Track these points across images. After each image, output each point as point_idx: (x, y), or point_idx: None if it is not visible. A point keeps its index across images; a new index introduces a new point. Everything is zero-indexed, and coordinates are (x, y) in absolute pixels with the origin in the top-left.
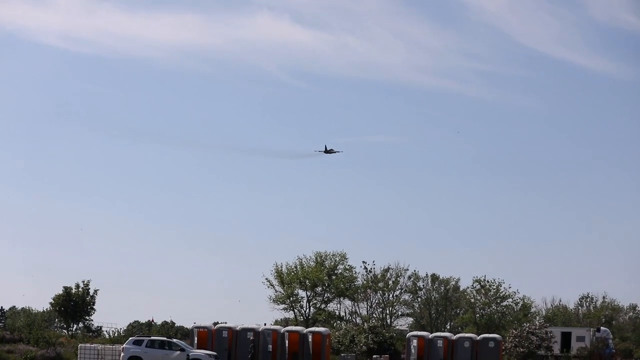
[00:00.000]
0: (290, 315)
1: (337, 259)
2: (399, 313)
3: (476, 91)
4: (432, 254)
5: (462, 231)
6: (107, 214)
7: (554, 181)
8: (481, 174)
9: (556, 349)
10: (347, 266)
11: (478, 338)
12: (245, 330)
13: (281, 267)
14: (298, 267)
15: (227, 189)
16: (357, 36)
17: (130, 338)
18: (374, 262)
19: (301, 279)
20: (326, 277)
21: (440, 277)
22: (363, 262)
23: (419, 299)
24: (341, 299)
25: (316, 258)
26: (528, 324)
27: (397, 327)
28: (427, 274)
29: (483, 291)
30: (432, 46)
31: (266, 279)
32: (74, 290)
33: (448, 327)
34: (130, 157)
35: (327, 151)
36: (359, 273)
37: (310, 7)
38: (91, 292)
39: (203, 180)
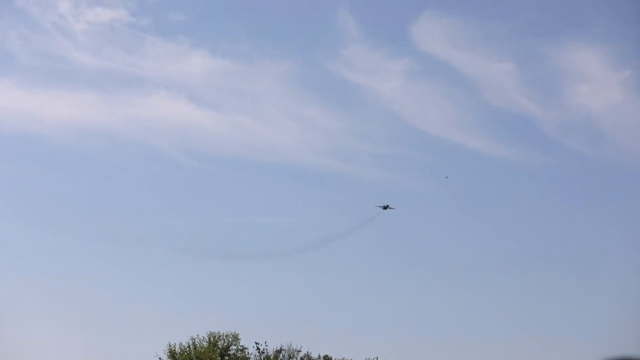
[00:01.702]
0: None
1: (230, 340)
2: None
3: (371, 173)
4: (324, 334)
5: (355, 312)
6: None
7: (447, 263)
8: (373, 255)
9: None
10: (240, 347)
11: None
12: None
13: (174, 346)
14: (191, 347)
15: (121, 267)
16: (252, 117)
17: None
18: (266, 342)
19: (194, 358)
20: (219, 358)
21: (333, 358)
22: (256, 342)
23: None
24: None
25: (209, 338)
26: None
27: None
28: (319, 355)
29: None
30: (327, 128)
31: (159, 358)
32: None
33: None
34: (23, 237)
35: (384, 207)
36: (251, 354)
37: (206, 87)
38: None
39: (98, 261)
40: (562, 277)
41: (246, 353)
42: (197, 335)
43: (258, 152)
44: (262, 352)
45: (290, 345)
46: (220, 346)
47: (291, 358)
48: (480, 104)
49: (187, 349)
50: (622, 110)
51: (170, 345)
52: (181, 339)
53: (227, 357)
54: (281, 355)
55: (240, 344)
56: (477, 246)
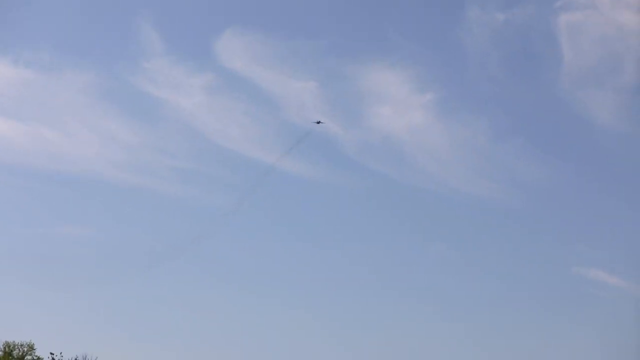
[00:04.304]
0: None
1: (25, 349)
2: None
3: (171, 188)
4: (121, 345)
5: (151, 325)
6: None
7: (259, 281)
8: (169, 269)
9: None
10: (35, 356)
11: None
12: None
13: None
14: None
15: None
16: (52, 128)
17: None
18: (61, 353)
19: None
20: None
21: None
22: (51, 353)
23: None
24: None
25: (4, 348)
26: None
27: None
28: None
29: None
30: (127, 141)
31: None
32: None
33: None
34: None
35: (318, 122)
36: None
37: (7, 97)
38: None
39: None
40: (376, 296)
41: None
42: None
43: (57, 163)
44: None
45: (86, 356)
46: (15, 355)
47: None
48: (280, 121)
49: None
50: (423, 133)
51: None
52: None
53: None
54: None
55: (36, 354)
56: (286, 263)
